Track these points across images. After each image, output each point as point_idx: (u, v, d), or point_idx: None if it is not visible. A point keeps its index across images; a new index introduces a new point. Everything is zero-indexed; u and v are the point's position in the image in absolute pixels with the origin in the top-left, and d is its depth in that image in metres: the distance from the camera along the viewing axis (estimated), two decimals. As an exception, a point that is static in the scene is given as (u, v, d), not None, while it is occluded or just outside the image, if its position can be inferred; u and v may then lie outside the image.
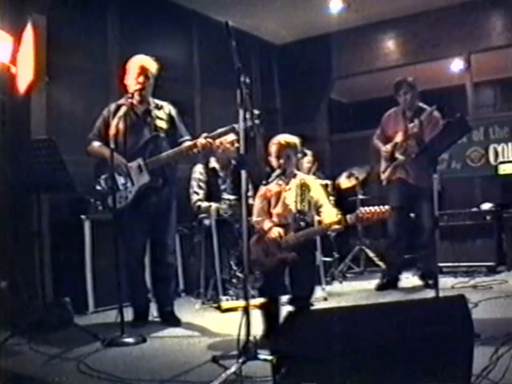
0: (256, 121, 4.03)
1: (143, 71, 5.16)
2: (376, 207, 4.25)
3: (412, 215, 6.63)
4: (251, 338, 3.46)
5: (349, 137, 9.83)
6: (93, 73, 7.01)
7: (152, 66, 5.24)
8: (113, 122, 4.90)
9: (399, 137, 6.52)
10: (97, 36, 7.21)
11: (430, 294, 5.63)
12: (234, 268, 6.30)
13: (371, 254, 8.10)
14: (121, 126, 5.05)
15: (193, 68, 8.73)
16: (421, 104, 6.66)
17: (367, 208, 4.26)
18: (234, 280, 6.23)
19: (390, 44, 9.68)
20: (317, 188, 4.69)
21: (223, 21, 3.70)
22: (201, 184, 6.62)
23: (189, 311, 6.00)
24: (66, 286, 5.91)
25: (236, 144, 6.52)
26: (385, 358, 2.64)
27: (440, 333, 2.71)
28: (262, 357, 3.38)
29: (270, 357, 3.16)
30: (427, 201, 6.41)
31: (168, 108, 5.43)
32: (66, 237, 6.14)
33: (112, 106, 5.21)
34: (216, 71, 8.48)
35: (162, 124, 5.31)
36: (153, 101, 5.37)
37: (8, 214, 5.62)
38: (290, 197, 4.52)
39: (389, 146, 6.60)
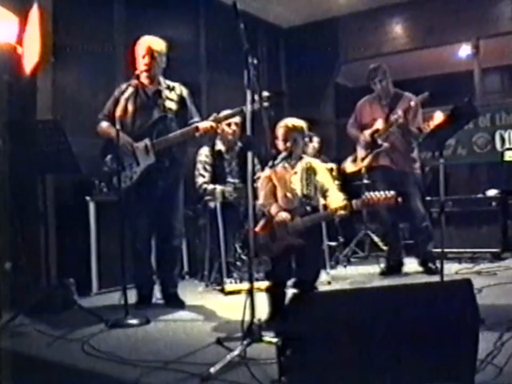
0: (265, 104, 4.03)
1: (150, 51, 5.14)
2: (381, 192, 4.25)
3: (399, 199, 6.62)
4: (255, 320, 3.47)
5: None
6: (98, 54, 6.96)
7: (160, 46, 5.22)
8: (121, 103, 4.90)
9: (379, 124, 6.50)
10: (103, 17, 7.16)
11: (433, 279, 5.63)
12: (239, 250, 6.30)
13: (376, 239, 8.08)
14: (130, 106, 5.07)
15: (200, 50, 8.68)
16: (396, 90, 6.66)
17: (372, 194, 4.25)
18: (238, 263, 6.23)
19: (397, 29, 9.61)
20: (323, 172, 4.68)
21: (230, 3, 3.67)
22: (207, 166, 6.61)
23: (193, 293, 6.00)
24: (70, 267, 5.93)
25: (233, 127, 6.52)
26: (389, 341, 2.64)
27: (445, 317, 2.70)
28: (266, 339, 3.40)
29: (274, 339, 3.16)
30: (414, 186, 6.44)
31: (180, 89, 5.40)
32: (71, 218, 6.15)
33: (123, 87, 5.19)
34: (223, 53, 8.46)
35: (171, 105, 5.28)
36: (165, 82, 5.36)
37: (13, 195, 5.62)
38: (297, 181, 4.52)
39: (367, 133, 6.58)
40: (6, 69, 5.75)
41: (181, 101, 5.35)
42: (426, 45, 9.37)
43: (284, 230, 4.36)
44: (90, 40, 6.85)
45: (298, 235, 4.33)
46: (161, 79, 5.34)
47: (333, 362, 2.62)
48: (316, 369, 2.62)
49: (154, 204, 5.28)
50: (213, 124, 5.05)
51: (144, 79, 5.22)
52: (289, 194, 4.49)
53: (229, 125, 6.47)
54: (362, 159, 6.71)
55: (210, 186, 6.45)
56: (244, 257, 6.22)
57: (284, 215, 4.37)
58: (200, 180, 6.56)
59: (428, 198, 7.25)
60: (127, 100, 4.99)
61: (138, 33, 5.40)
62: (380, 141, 6.48)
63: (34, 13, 5.83)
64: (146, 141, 5.11)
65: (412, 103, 6.31)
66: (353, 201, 4.28)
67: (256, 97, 3.78)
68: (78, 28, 6.66)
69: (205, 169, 6.60)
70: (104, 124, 5.24)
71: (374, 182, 6.76)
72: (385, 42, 9.67)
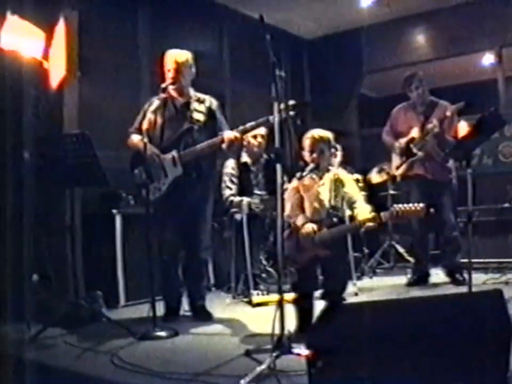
0: (291, 113, 4.03)
1: (175, 64, 5.17)
2: (410, 205, 4.21)
3: (432, 210, 6.56)
4: (285, 332, 3.46)
5: (379, 132, 9.74)
6: (124, 68, 7.03)
7: (184, 58, 5.24)
8: (147, 116, 4.94)
9: (415, 133, 6.46)
10: (128, 31, 7.23)
11: (461, 289, 5.59)
12: (264, 262, 6.31)
13: (401, 250, 8.06)
14: (158, 119, 5.11)
15: (224, 62, 8.74)
16: (432, 98, 6.62)
17: (401, 206, 4.22)
18: (264, 275, 6.23)
19: (420, 38, 9.60)
20: (351, 183, 4.67)
21: (253, 15, 3.69)
22: (234, 179, 6.62)
23: (220, 305, 6.00)
24: (97, 279, 5.95)
25: (259, 139, 6.55)
26: (420, 353, 2.63)
27: (477, 328, 2.69)
28: (296, 351, 3.37)
29: (305, 351, 3.15)
30: (447, 196, 6.39)
31: (209, 101, 5.41)
32: (98, 231, 6.17)
33: (153, 100, 5.22)
34: (247, 65, 8.49)
35: (199, 117, 5.28)
36: (195, 94, 5.38)
37: (41, 208, 5.67)
38: (324, 192, 4.50)
39: (402, 142, 6.55)
40: (33, 84, 5.82)
41: (210, 113, 5.36)
42: (449, 54, 9.33)
43: (310, 241, 4.34)
44: (116, 54, 6.92)
45: (324, 246, 4.32)
46: (191, 91, 5.37)
47: (362, 374, 2.61)
48: (346, 381, 2.61)
49: (182, 216, 5.28)
50: (238, 135, 5.05)
51: (172, 91, 5.25)
52: (317, 205, 4.48)
53: (254, 137, 6.49)
54: (397, 168, 6.67)
55: (237, 199, 6.46)
56: (269, 269, 6.22)
57: (312, 226, 4.36)
58: (227, 192, 6.56)
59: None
60: (154, 112, 5.04)
61: (163, 46, 5.44)
62: (415, 150, 6.44)
63: (60, 28, 5.89)
64: (174, 153, 5.12)
65: (448, 113, 6.23)
66: (382, 214, 4.25)
67: (282, 105, 3.78)
68: (104, 42, 6.73)
69: (231, 181, 6.61)
70: (134, 137, 5.27)
71: (408, 191, 6.69)
72: (408, 52, 9.65)
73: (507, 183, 8.55)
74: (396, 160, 6.69)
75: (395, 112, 6.85)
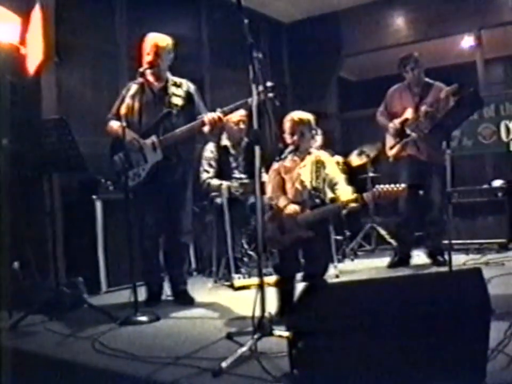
0: (270, 94, 4.02)
1: (154, 48, 5.13)
2: (392, 185, 4.22)
3: (421, 192, 6.58)
4: (266, 314, 3.47)
5: (359, 115, 9.79)
6: (101, 53, 6.99)
7: (165, 43, 5.21)
8: (126, 101, 4.90)
9: (409, 114, 6.46)
10: (105, 15, 7.17)
11: (441, 271, 5.63)
12: (246, 246, 6.31)
13: (382, 232, 8.09)
14: (136, 104, 5.06)
15: (202, 46, 8.70)
16: (427, 79, 6.62)
17: (383, 186, 4.23)
18: (245, 259, 6.24)
19: (399, 21, 9.60)
20: (332, 165, 4.68)
21: (232, -2, 3.67)
22: (212, 162, 6.59)
23: (202, 289, 6.02)
24: (78, 266, 5.94)
25: (241, 126, 6.54)
26: (400, 331, 2.64)
27: (456, 306, 2.70)
28: (277, 333, 3.39)
29: (285, 333, 3.16)
30: (437, 177, 6.39)
31: (187, 85, 5.39)
32: (78, 217, 6.16)
33: (130, 85, 5.18)
34: (226, 49, 8.46)
35: (177, 101, 5.26)
36: (172, 79, 5.35)
37: (20, 194, 5.63)
38: (306, 174, 4.51)
39: (397, 122, 6.55)
40: (9, 70, 5.74)
41: (188, 97, 5.34)
42: (429, 36, 9.32)
43: (293, 223, 4.35)
44: (93, 38, 6.87)
45: (307, 227, 4.33)
46: (169, 75, 5.34)
47: (344, 354, 2.62)
48: (327, 361, 2.62)
49: (162, 200, 5.27)
50: (220, 115, 5.03)
51: (149, 76, 5.23)
52: (298, 187, 4.48)
53: (236, 120, 6.48)
54: (391, 148, 6.67)
55: (215, 181, 6.45)
56: (251, 252, 6.23)
57: (294, 207, 4.37)
58: (204, 176, 6.54)
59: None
60: (132, 97, 4.99)
61: (141, 31, 5.42)
62: (408, 131, 6.45)
63: (36, 13, 5.82)
64: (153, 138, 5.10)
65: (442, 95, 6.24)
66: (365, 194, 4.26)
67: (261, 88, 3.77)
68: (81, 27, 6.68)
69: (209, 165, 6.58)
70: (113, 123, 5.24)
71: (396, 172, 6.68)
72: (387, 35, 9.65)
73: (486, 165, 8.61)
74: (389, 140, 6.69)
75: (390, 92, 6.85)
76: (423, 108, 6.32)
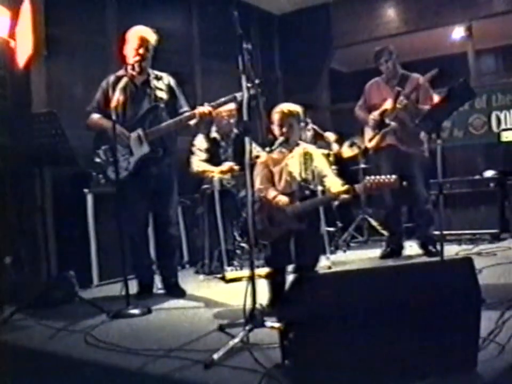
0: (258, 90, 4.01)
1: (143, 42, 5.10)
2: (383, 176, 4.22)
3: (404, 183, 6.57)
4: (257, 306, 3.47)
5: (350, 106, 9.74)
6: (91, 46, 6.96)
7: (152, 37, 5.18)
8: (115, 94, 4.86)
9: (388, 104, 6.47)
10: (95, 8, 7.13)
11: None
12: (238, 238, 6.31)
13: (374, 223, 8.10)
14: (120, 97, 5.03)
15: (193, 39, 8.66)
16: (403, 71, 6.63)
17: (374, 177, 4.23)
18: (238, 251, 6.23)
19: (390, 12, 9.58)
20: (320, 158, 4.68)
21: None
22: (203, 150, 6.59)
23: (194, 282, 6.02)
24: (70, 260, 5.92)
25: (232, 121, 6.53)
26: (392, 321, 2.64)
27: (447, 295, 2.71)
28: (269, 324, 3.40)
29: (277, 324, 3.17)
30: (419, 168, 6.41)
31: (167, 79, 5.38)
32: (69, 211, 6.14)
33: (111, 78, 5.16)
34: (216, 41, 8.43)
35: (162, 95, 5.26)
36: (153, 72, 5.33)
37: (10, 188, 5.61)
38: (294, 165, 4.52)
39: (376, 114, 6.55)
40: (-1, 63, 5.74)
41: (170, 90, 5.34)
42: (419, 28, 9.32)
43: (283, 214, 4.35)
44: (83, 32, 6.84)
45: (297, 219, 4.33)
46: (149, 69, 5.32)
47: (335, 344, 2.62)
48: (318, 352, 2.62)
49: (150, 193, 5.26)
50: (210, 109, 5.03)
51: (135, 69, 5.17)
52: (288, 178, 4.49)
53: (226, 117, 6.46)
54: (370, 140, 6.67)
55: (205, 165, 6.45)
56: (243, 244, 6.23)
57: (284, 198, 4.36)
58: (194, 159, 6.53)
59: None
60: (117, 90, 4.93)
61: (131, 23, 5.37)
62: (387, 121, 6.45)
63: (26, 6, 5.81)
64: (139, 131, 5.09)
65: (420, 80, 6.26)
66: (356, 186, 4.27)
67: (250, 84, 3.77)
68: (71, 20, 6.64)
69: (200, 150, 6.57)
70: (95, 116, 5.22)
71: (379, 164, 6.69)
72: (378, 26, 9.63)
73: (477, 155, 8.62)
74: (368, 133, 6.69)
75: (368, 86, 6.85)
76: (399, 99, 6.31)
